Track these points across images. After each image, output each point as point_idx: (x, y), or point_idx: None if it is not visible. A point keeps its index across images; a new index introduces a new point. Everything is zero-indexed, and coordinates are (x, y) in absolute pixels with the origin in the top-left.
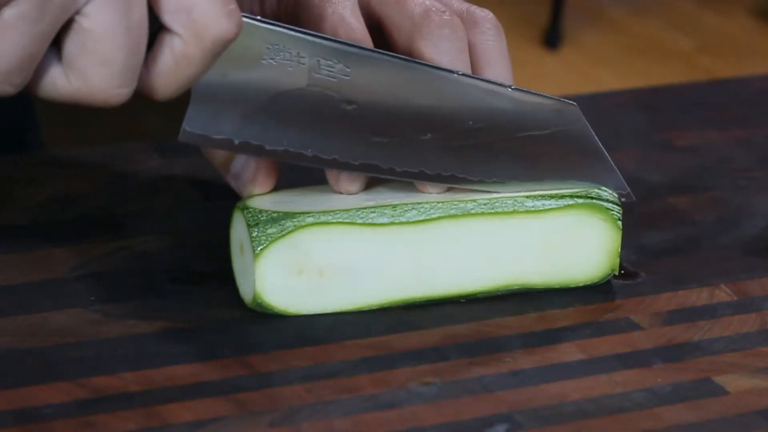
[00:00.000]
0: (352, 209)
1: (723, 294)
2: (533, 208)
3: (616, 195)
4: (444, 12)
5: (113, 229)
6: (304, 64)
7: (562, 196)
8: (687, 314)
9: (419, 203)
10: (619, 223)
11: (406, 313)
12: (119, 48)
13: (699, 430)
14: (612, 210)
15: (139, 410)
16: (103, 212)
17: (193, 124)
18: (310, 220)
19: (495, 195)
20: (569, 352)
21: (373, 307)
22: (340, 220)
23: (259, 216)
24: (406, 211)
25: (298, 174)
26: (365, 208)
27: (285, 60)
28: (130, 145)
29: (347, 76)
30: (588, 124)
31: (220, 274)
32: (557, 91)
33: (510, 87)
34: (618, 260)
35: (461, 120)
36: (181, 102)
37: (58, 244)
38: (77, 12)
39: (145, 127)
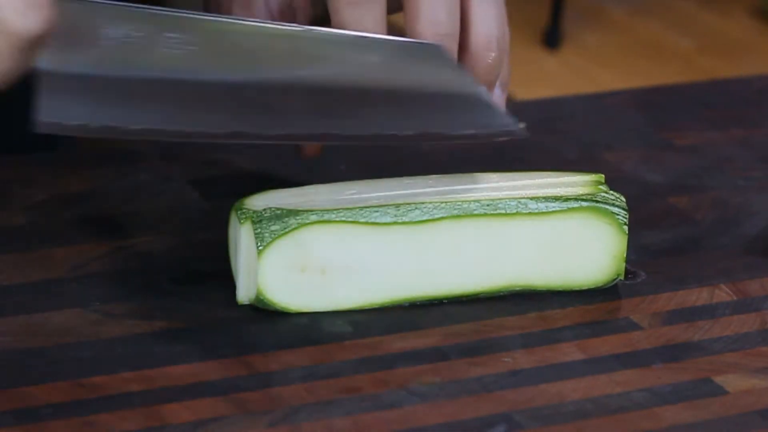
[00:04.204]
0: (355, 208)
1: (723, 294)
2: (536, 210)
3: (623, 199)
4: None
5: (113, 229)
6: (145, 39)
7: (567, 199)
8: (687, 314)
9: (422, 203)
10: (625, 228)
11: (406, 313)
12: None
13: (699, 430)
14: (618, 214)
15: (139, 410)
16: (103, 212)
17: (46, 113)
18: (313, 218)
19: (497, 195)
20: (569, 352)
21: (375, 306)
22: (343, 218)
23: (263, 213)
24: (410, 210)
25: (299, 173)
26: (368, 207)
27: (127, 37)
28: (130, 145)
29: (193, 46)
30: (458, 63)
31: (220, 274)
32: (557, 91)
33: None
34: (623, 265)
35: (324, 77)
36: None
37: (58, 244)
38: None
39: None
